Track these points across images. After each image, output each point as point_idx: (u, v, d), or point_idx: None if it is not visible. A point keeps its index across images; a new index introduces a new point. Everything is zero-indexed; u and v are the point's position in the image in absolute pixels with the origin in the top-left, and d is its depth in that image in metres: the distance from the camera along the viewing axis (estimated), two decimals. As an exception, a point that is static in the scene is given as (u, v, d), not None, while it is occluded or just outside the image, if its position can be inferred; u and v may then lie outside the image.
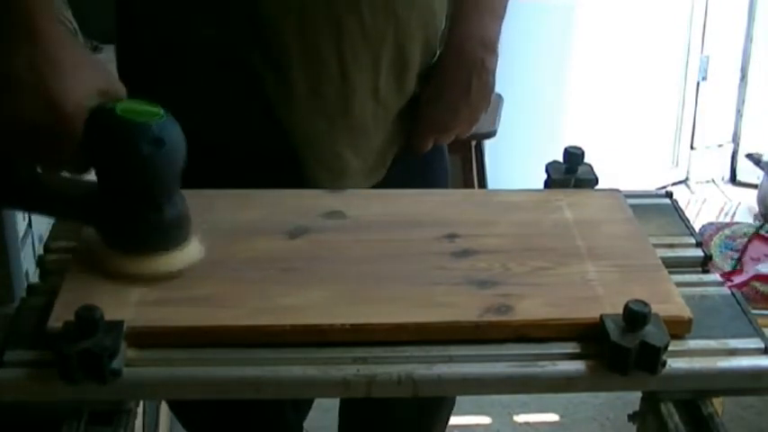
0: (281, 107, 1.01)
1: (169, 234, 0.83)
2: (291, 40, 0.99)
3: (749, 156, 2.73)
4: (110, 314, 0.73)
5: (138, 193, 0.81)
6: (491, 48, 1.12)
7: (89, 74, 0.81)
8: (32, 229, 1.65)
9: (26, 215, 1.64)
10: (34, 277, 0.90)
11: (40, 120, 0.78)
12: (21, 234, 1.58)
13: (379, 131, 1.08)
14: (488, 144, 2.45)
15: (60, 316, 0.75)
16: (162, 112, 0.80)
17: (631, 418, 0.85)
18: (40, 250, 0.89)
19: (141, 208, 0.81)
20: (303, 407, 1.41)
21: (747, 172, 3.00)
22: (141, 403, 0.80)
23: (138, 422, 0.78)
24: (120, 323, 0.74)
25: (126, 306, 0.77)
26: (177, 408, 1.29)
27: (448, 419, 1.42)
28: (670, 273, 0.85)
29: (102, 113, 0.79)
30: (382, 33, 1.02)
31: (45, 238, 0.93)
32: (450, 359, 0.75)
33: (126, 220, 0.82)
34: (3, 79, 0.78)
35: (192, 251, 0.84)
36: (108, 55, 3.08)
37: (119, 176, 0.81)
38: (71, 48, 0.82)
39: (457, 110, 1.12)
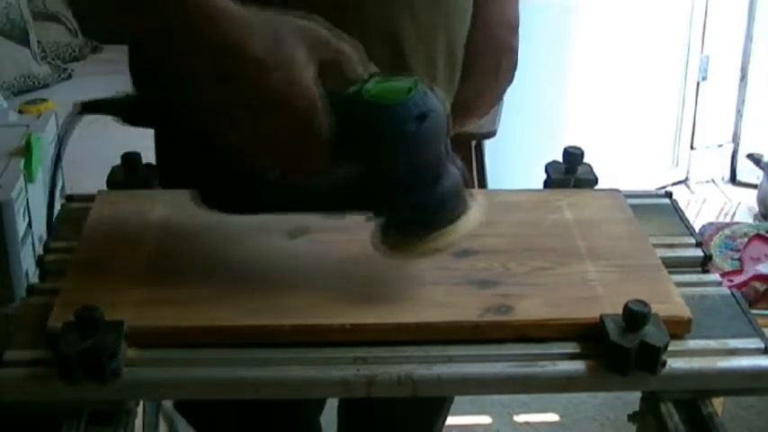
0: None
1: (452, 204, 0.79)
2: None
3: (750, 156, 2.74)
4: (110, 314, 0.73)
5: (414, 173, 0.77)
6: (514, 28, 1.14)
7: (292, 41, 0.71)
8: (32, 229, 1.65)
9: (26, 215, 1.64)
10: (34, 277, 0.90)
11: (279, 112, 0.70)
12: (21, 234, 1.58)
13: None
14: (488, 144, 2.45)
15: (60, 316, 0.75)
16: (411, 83, 0.75)
17: (631, 418, 0.85)
18: (40, 250, 0.89)
19: (420, 186, 0.77)
20: (322, 404, 1.40)
21: (747, 172, 3.00)
22: (141, 403, 0.80)
23: (138, 422, 0.78)
24: (120, 323, 0.74)
25: (126, 306, 0.77)
26: (190, 411, 1.28)
27: (446, 417, 1.42)
28: (670, 273, 0.85)
29: (355, 102, 0.74)
30: (435, 33, 1.03)
31: (45, 238, 0.93)
32: (450, 359, 0.75)
33: (408, 204, 0.78)
34: (224, 94, 0.70)
35: (474, 215, 0.80)
36: (108, 55, 3.10)
37: (390, 162, 0.76)
38: (260, 20, 0.71)
39: (483, 94, 1.14)
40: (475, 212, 0.81)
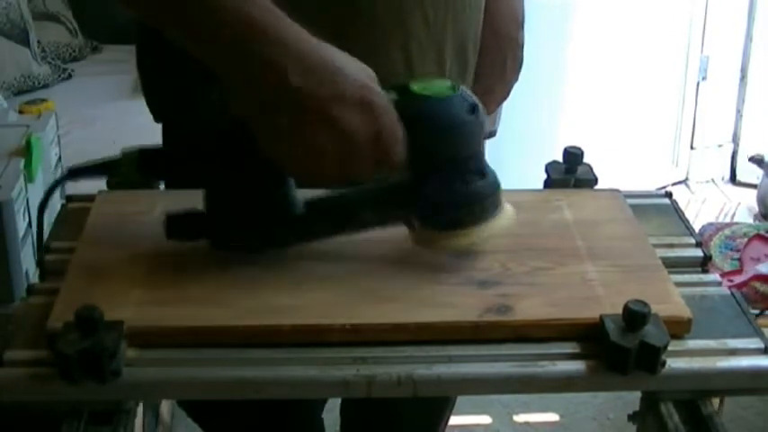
0: None
1: (494, 199, 0.83)
2: (358, 39, 0.98)
3: (752, 158, 2.73)
4: (110, 314, 0.73)
5: (463, 164, 0.81)
6: (520, 24, 1.16)
7: (347, 59, 0.77)
8: (32, 229, 1.65)
9: (26, 215, 1.64)
10: (34, 277, 0.90)
11: (366, 126, 0.75)
12: (21, 234, 1.58)
13: None
14: (488, 144, 2.45)
15: (60, 316, 0.75)
16: (450, 82, 0.81)
17: (631, 418, 0.85)
18: (40, 250, 0.89)
19: (468, 177, 0.81)
20: (324, 400, 1.40)
21: (747, 172, 3.00)
22: (141, 403, 0.80)
23: (138, 422, 0.78)
24: (120, 323, 0.74)
25: (126, 306, 0.77)
26: (194, 408, 1.27)
27: (449, 417, 1.42)
28: (670, 273, 0.85)
29: (410, 98, 0.79)
30: (443, 26, 1.03)
31: (45, 238, 0.92)
32: (450, 359, 0.75)
33: (455, 195, 0.81)
34: (282, 105, 0.74)
35: (509, 213, 0.85)
36: (108, 55, 3.10)
37: (441, 153, 0.80)
38: (314, 41, 0.76)
39: (493, 90, 1.16)
40: (509, 214, 0.85)
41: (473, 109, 0.79)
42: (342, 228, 0.85)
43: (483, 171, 0.82)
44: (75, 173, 0.86)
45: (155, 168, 0.84)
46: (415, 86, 0.80)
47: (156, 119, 1.10)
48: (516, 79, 1.19)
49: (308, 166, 0.77)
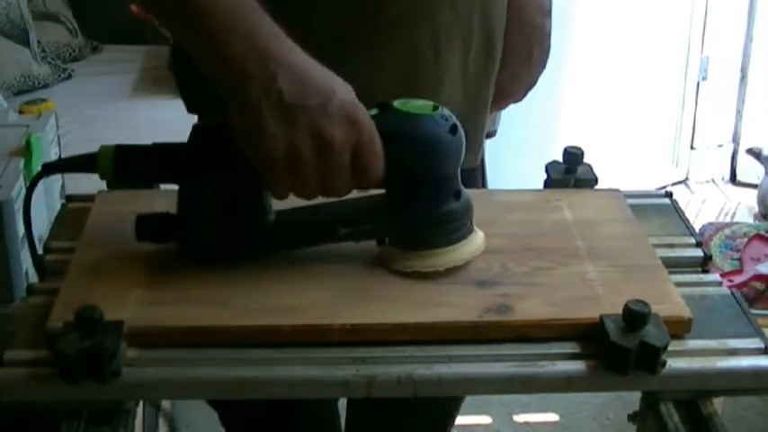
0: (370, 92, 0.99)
1: (466, 221, 0.83)
2: (387, 27, 0.98)
3: (749, 150, 2.72)
4: (110, 314, 0.73)
5: (439, 183, 0.81)
6: (547, 12, 1.17)
7: (334, 78, 0.78)
8: (32, 229, 1.65)
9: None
10: (34, 277, 0.90)
11: (348, 138, 0.76)
12: (21, 234, 1.58)
13: (465, 110, 1.08)
14: (488, 144, 2.45)
15: (60, 316, 0.75)
16: (433, 103, 0.81)
17: (631, 418, 0.85)
18: (40, 250, 0.89)
19: (443, 197, 0.81)
20: None
21: (747, 172, 3.00)
22: (141, 403, 0.80)
23: (138, 422, 0.78)
24: (120, 323, 0.74)
25: (126, 306, 0.77)
26: (222, 410, 1.27)
27: (456, 415, 1.42)
28: (670, 273, 0.85)
29: (390, 114, 0.80)
30: (470, 14, 1.03)
31: (45, 238, 0.93)
32: (450, 359, 0.76)
33: (429, 214, 0.81)
34: (265, 112, 0.74)
35: (479, 238, 0.85)
36: (108, 55, 3.09)
37: (422, 170, 0.80)
38: (305, 56, 0.78)
39: (519, 77, 1.16)
40: (480, 237, 0.84)
41: (453, 129, 0.79)
42: (312, 241, 0.84)
43: (459, 192, 0.82)
44: (50, 168, 0.85)
45: (130, 168, 0.82)
46: (397, 104, 0.80)
47: (189, 110, 1.11)
48: (544, 67, 1.18)
49: (288, 174, 0.76)
